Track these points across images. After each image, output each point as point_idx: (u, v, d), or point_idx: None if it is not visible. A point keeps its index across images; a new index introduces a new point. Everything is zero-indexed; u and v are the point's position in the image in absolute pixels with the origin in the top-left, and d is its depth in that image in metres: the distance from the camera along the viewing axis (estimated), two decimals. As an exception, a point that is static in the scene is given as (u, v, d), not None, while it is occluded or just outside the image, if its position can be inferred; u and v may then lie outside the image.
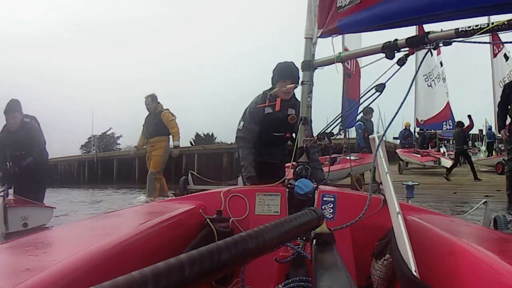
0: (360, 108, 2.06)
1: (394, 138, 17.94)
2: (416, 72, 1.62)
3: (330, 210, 1.80)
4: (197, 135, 32.15)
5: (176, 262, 0.51)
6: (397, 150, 13.80)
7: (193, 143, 29.24)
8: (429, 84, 13.10)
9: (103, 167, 23.07)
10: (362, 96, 1.84)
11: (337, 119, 1.97)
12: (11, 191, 4.91)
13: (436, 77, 13.23)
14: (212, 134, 33.07)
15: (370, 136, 1.70)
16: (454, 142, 12.57)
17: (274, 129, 2.86)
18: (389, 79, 1.76)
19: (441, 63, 14.22)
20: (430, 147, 15.27)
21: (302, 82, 2.07)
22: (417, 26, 4.10)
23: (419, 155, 12.66)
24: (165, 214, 1.49)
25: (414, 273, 1.02)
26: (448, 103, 13.52)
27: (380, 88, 1.88)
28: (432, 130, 14.54)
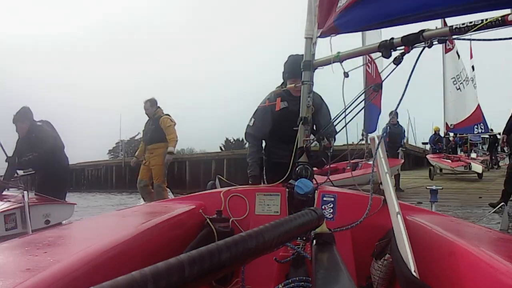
0: (356, 109, 2.05)
1: (423, 143, 17.65)
2: (412, 72, 1.60)
3: (330, 210, 1.80)
4: (227, 140, 32.02)
5: (176, 262, 0.51)
6: (428, 156, 13.38)
7: (222, 148, 29.17)
8: (458, 87, 12.55)
9: (131, 172, 22.96)
10: (359, 96, 1.85)
11: (336, 119, 1.97)
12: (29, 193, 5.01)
13: (464, 80, 12.67)
14: (242, 140, 32.65)
15: (369, 136, 1.70)
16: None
17: (292, 124, 2.65)
18: (385, 78, 1.79)
19: (472, 67, 13.90)
20: (462, 152, 14.84)
21: (302, 82, 2.07)
22: (442, 19, 4.02)
23: (449, 160, 12.24)
24: (165, 214, 1.49)
25: (414, 273, 1.02)
26: (478, 105, 12.82)
27: (377, 87, 1.90)
28: (464, 134, 14.03)
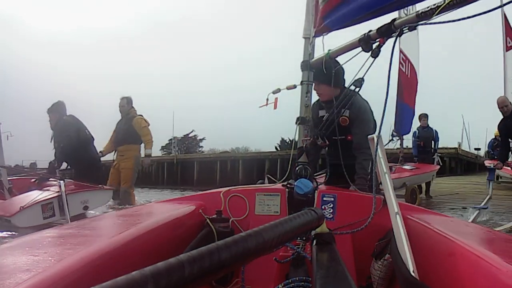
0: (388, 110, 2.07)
1: (476, 149, 17.24)
2: (390, 64, 1.56)
3: (330, 210, 1.80)
4: (282, 140, 31.89)
5: (176, 262, 0.51)
6: (485, 162, 12.50)
7: (278, 148, 29.06)
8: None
9: (183, 169, 23.04)
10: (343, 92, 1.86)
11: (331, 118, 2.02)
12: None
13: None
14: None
15: (369, 136, 1.70)
16: None
17: (331, 134, 2.56)
18: (365, 72, 1.81)
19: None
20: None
21: (301, 82, 2.07)
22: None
23: (509, 168, 10.94)
24: (165, 214, 1.49)
25: (412, 274, 1.02)
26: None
27: (359, 83, 1.91)
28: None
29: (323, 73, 2.27)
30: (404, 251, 1.12)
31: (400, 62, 6.40)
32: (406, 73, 6.71)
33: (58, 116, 5.52)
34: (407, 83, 6.79)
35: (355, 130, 2.56)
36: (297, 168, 1.90)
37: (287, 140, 31.67)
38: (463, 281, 0.92)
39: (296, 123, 2.03)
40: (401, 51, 6.20)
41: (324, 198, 1.82)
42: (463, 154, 18.42)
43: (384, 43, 1.65)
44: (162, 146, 35.69)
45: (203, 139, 38.72)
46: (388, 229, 1.49)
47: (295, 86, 2.65)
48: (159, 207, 1.80)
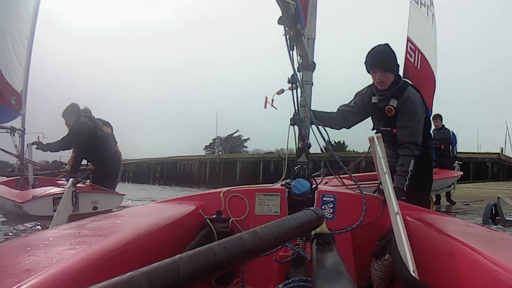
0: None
1: None
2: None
3: (330, 210, 1.80)
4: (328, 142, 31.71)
5: (171, 262, 0.51)
6: None
7: (323, 150, 29.02)
8: None
9: (226, 169, 23.22)
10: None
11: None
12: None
13: None
14: (344, 142, 31.93)
15: (369, 137, 1.70)
16: None
17: (380, 123, 2.52)
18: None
19: None
20: None
21: (301, 82, 2.08)
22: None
23: None
24: (165, 214, 1.49)
25: (412, 274, 1.02)
26: None
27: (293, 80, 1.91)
28: None
29: (389, 60, 2.36)
30: (404, 251, 1.12)
31: (407, 51, 5.37)
32: (416, 64, 5.58)
33: (75, 118, 5.54)
34: (418, 76, 5.63)
35: (398, 122, 2.36)
36: (295, 168, 1.90)
37: (333, 143, 31.46)
38: (463, 281, 0.92)
39: (290, 123, 2.01)
40: (408, 40, 5.30)
41: (324, 198, 1.82)
42: (506, 159, 18.36)
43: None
44: (205, 146, 36.01)
45: (248, 139, 38.94)
46: (388, 229, 1.49)
47: (296, 86, 2.65)
48: (159, 207, 1.80)
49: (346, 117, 2.53)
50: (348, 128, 2.60)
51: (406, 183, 2.18)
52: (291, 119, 2.01)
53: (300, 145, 1.99)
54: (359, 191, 1.84)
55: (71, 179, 5.12)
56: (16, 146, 6.67)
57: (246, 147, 39.18)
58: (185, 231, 1.54)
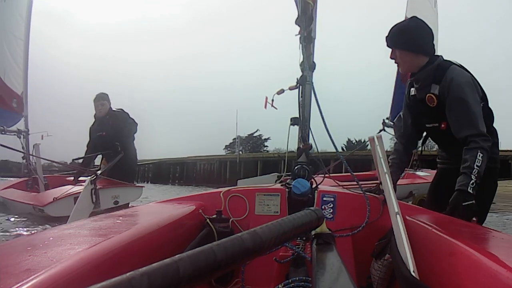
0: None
1: None
2: None
3: (330, 210, 1.80)
4: (349, 141, 31.67)
5: (171, 262, 0.52)
6: None
7: (344, 148, 29.19)
8: None
9: (246, 168, 23.14)
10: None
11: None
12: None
13: None
14: (364, 141, 30.94)
15: (369, 136, 1.70)
16: None
17: (423, 119, 2.00)
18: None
19: None
20: None
21: (301, 82, 2.08)
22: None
23: None
24: (165, 214, 1.49)
25: (413, 274, 1.02)
26: None
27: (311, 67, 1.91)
28: None
29: (402, 35, 1.89)
30: (404, 251, 1.12)
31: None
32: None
33: (108, 106, 5.35)
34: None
35: (448, 113, 1.83)
36: (295, 168, 1.90)
37: (354, 141, 31.44)
38: (463, 281, 0.92)
39: (290, 124, 2.01)
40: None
41: (324, 198, 1.82)
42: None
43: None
44: (226, 145, 36.12)
45: (268, 138, 39.00)
46: (388, 229, 1.49)
47: (297, 87, 2.66)
48: (159, 207, 1.80)
49: (405, 143, 2.12)
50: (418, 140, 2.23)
51: (473, 182, 1.65)
52: (291, 119, 2.01)
53: (301, 145, 1.99)
54: (358, 191, 1.84)
55: (88, 177, 5.10)
56: (23, 147, 6.73)
57: (266, 146, 39.18)
58: (185, 231, 1.54)
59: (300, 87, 1.99)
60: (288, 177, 1.96)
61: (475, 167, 1.67)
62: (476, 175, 1.66)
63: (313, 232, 1.20)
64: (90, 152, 5.57)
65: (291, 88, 2.32)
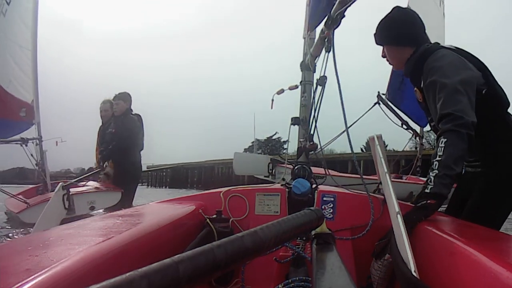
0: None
1: None
2: (334, 59, 1.60)
3: (330, 210, 1.80)
4: (368, 142, 31.40)
5: (170, 262, 0.52)
6: None
7: (363, 150, 28.91)
8: None
9: None
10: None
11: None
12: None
13: None
14: (384, 142, 31.89)
15: (369, 136, 1.70)
16: None
17: (430, 118, 1.76)
18: (324, 67, 1.82)
19: None
20: None
21: (301, 82, 2.08)
22: None
23: None
24: (165, 214, 1.49)
25: (414, 274, 1.02)
26: None
27: (321, 81, 1.90)
28: None
29: (384, 29, 1.74)
30: (405, 251, 1.12)
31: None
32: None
33: (127, 107, 5.18)
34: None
35: (429, 106, 1.62)
36: (295, 168, 1.90)
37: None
38: (463, 281, 0.92)
39: (290, 123, 2.01)
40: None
41: (324, 198, 1.82)
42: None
43: (331, 35, 1.68)
44: (244, 149, 36.07)
45: (287, 141, 39.36)
46: (388, 229, 1.49)
47: (297, 87, 2.66)
48: (159, 208, 1.80)
49: None
50: None
51: (431, 179, 1.39)
52: (291, 119, 2.01)
53: (307, 145, 1.98)
54: (358, 191, 1.84)
55: (60, 183, 5.03)
56: (32, 155, 6.79)
57: (285, 149, 39.24)
58: (185, 231, 1.54)
59: (319, 87, 1.97)
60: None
61: (437, 157, 1.39)
62: (437, 167, 1.38)
63: (313, 232, 1.20)
64: (103, 156, 5.45)
65: (291, 88, 2.32)
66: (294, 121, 2.01)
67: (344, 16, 1.64)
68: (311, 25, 2.04)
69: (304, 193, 1.76)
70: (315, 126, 1.99)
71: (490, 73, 1.61)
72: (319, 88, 1.94)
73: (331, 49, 1.69)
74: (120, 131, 5.07)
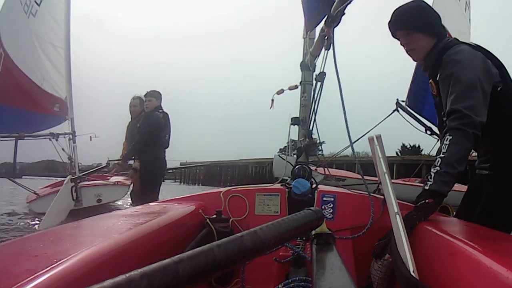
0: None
1: None
2: (334, 57, 1.61)
3: (330, 210, 1.80)
4: (403, 146, 31.11)
5: (170, 262, 0.52)
6: None
7: (398, 153, 28.78)
8: None
9: None
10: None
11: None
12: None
13: None
14: (419, 146, 29.46)
15: (368, 137, 1.70)
16: None
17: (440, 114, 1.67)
18: (323, 64, 1.81)
19: None
20: None
21: (301, 82, 2.08)
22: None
23: None
24: (165, 214, 1.49)
25: (412, 274, 1.02)
26: None
27: (320, 77, 1.90)
28: None
29: (413, 16, 1.63)
30: (404, 251, 1.12)
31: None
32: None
33: (156, 105, 5.13)
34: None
35: (442, 100, 1.56)
36: (295, 168, 1.90)
37: (408, 146, 31.06)
38: (463, 281, 0.92)
39: (290, 123, 2.01)
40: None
41: (324, 198, 1.82)
42: None
43: (331, 33, 1.69)
44: (280, 149, 35.99)
45: (323, 142, 39.75)
46: (388, 229, 1.49)
47: (296, 87, 2.67)
48: (159, 207, 1.80)
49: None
50: None
51: (431, 175, 1.39)
52: (291, 119, 2.01)
53: (306, 142, 1.98)
54: (358, 192, 1.84)
55: (69, 175, 5.39)
56: (63, 149, 7.07)
57: (321, 150, 39.22)
58: (185, 231, 1.54)
59: (319, 84, 1.97)
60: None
61: (441, 154, 1.38)
62: (439, 164, 1.36)
63: (313, 232, 1.20)
64: (129, 143, 5.42)
65: (290, 88, 2.32)
66: (294, 121, 2.00)
67: (344, 13, 1.66)
68: (310, 25, 2.04)
69: (304, 193, 1.76)
70: (314, 120, 1.98)
71: (507, 72, 1.59)
72: (319, 85, 1.95)
73: (331, 47, 1.69)
74: (142, 127, 5.07)
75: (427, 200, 1.37)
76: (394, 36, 1.71)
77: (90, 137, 7.18)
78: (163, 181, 5.77)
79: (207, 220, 1.64)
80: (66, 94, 7.23)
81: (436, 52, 1.60)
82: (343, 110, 1.72)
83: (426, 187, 1.38)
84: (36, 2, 7.02)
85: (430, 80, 1.64)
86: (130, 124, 5.67)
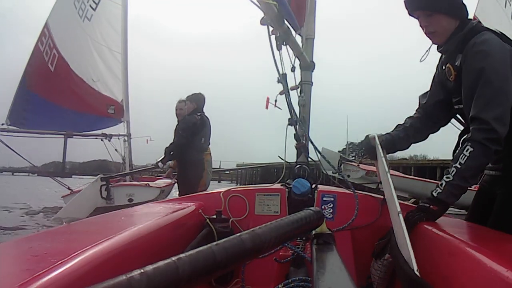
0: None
1: None
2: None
3: (330, 210, 1.80)
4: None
5: (170, 262, 0.52)
6: None
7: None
8: None
9: None
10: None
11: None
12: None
13: None
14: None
15: (370, 135, 1.69)
16: None
17: (451, 98, 1.59)
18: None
19: None
20: None
21: (301, 82, 2.08)
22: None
23: None
24: (165, 214, 1.49)
25: (416, 272, 1.02)
26: None
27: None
28: None
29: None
30: (407, 250, 1.12)
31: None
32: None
33: (194, 107, 5.20)
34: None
35: (463, 90, 1.46)
36: (295, 168, 1.90)
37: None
38: (464, 281, 0.92)
39: (288, 122, 2.00)
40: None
41: (324, 198, 1.82)
42: None
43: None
44: (338, 151, 35.80)
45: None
46: (387, 229, 1.49)
47: (297, 87, 2.66)
48: (159, 207, 1.79)
49: (414, 129, 1.69)
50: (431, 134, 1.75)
51: (443, 184, 1.35)
52: (289, 119, 2.00)
53: (295, 145, 1.98)
54: (358, 192, 1.83)
55: (99, 175, 5.75)
56: (116, 150, 7.49)
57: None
58: (185, 231, 1.54)
59: (302, 85, 1.98)
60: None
61: (457, 164, 1.33)
62: (453, 175, 1.33)
63: (313, 232, 1.20)
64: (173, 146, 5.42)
65: (292, 89, 2.31)
66: (291, 121, 2.00)
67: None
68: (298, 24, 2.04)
69: (304, 193, 1.76)
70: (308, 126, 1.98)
71: None
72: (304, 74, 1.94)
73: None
74: (178, 130, 5.22)
75: (431, 206, 1.36)
76: (411, 14, 1.56)
77: (147, 140, 7.63)
78: (219, 182, 5.94)
79: (207, 220, 1.64)
80: (122, 97, 7.54)
81: (460, 37, 1.48)
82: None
83: (435, 194, 1.36)
84: (91, 7, 7.32)
85: (448, 65, 1.52)
86: (176, 126, 5.70)
